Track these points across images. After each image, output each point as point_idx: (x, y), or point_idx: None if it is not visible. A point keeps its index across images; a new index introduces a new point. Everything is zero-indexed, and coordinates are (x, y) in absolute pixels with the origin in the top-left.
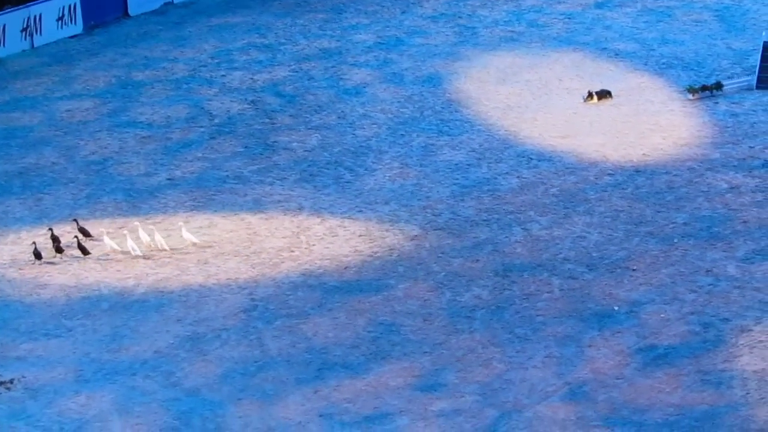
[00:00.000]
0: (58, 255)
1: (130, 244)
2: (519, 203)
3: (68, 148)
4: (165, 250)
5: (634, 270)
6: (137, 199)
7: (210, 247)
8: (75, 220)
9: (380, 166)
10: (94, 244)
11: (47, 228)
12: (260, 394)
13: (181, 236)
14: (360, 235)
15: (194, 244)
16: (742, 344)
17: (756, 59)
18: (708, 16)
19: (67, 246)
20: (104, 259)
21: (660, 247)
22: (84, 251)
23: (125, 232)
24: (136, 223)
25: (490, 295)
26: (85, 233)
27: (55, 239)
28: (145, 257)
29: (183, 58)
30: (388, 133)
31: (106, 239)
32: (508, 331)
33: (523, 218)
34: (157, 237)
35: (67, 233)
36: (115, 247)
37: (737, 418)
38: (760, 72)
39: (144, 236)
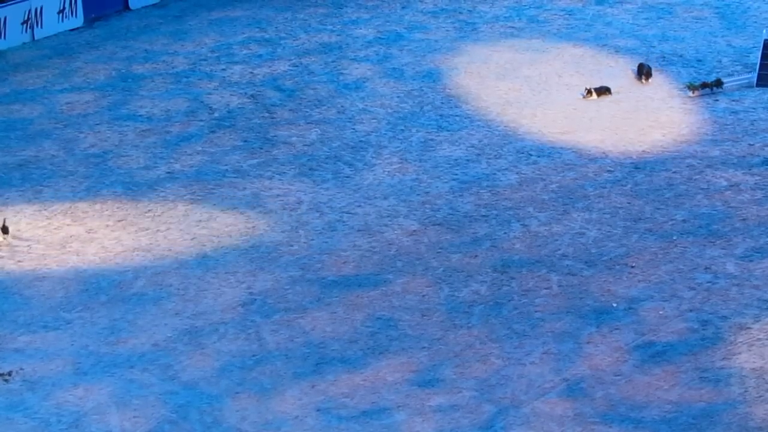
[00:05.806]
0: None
1: None
2: (518, 199)
3: (68, 140)
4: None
5: (632, 267)
6: (136, 192)
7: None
8: None
9: (379, 161)
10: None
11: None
12: (258, 388)
13: None
14: (358, 230)
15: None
16: (740, 342)
17: (756, 57)
18: (708, 13)
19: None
20: (104, 253)
21: (659, 244)
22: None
23: None
24: None
25: (488, 290)
26: (5, 230)
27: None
28: (144, 250)
29: (183, 51)
30: (388, 128)
31: None
32: (506, 327)
33: (521, 214)
34: None
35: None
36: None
37: (735, 416)
38: (760, 69)
39: None
